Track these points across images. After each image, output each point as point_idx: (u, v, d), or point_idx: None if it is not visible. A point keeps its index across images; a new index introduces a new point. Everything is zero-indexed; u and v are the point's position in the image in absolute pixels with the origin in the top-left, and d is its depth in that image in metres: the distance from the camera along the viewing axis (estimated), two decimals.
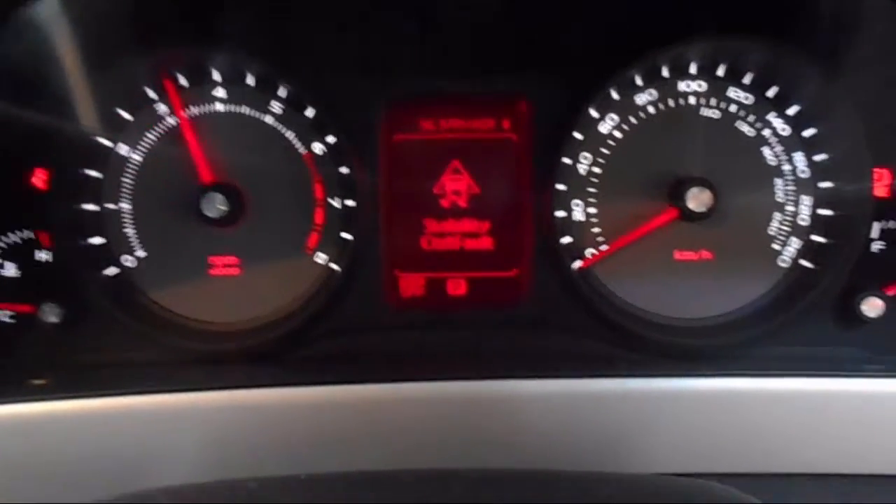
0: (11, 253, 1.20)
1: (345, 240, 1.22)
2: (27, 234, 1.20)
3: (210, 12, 1.15)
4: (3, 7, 1.02)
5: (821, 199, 1.22)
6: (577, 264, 1.23)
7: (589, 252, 1.24)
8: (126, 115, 1.21)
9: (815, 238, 1.22)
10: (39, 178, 1.18)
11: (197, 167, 1.18)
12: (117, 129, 1.21)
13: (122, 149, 1.22)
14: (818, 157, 1.22)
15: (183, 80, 1.21)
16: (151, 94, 1.21)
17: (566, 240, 1.22)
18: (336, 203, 1.23)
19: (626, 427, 1.03)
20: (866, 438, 1.03)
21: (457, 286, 1.25)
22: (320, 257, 1.24)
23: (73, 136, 1.18)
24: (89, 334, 1.20)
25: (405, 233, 1.24)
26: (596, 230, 1.24)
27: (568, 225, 1.23)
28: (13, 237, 1.20)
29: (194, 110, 1.22)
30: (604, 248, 1.24)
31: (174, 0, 1.14)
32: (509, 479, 0.79)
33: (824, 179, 1.22)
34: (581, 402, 1.02)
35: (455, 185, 1.24)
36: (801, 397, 1.02)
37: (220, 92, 1.22)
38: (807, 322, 1.19)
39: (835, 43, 1.17)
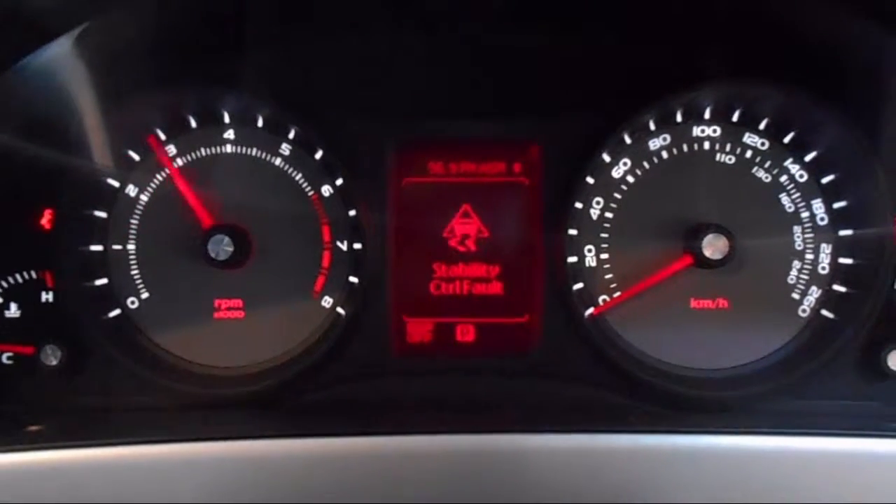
0: (14, 293, 1.19)
1: (352, 283, 1.20)
2: (32, 274, 1.19)
3: (220, 55, 1.15)
4: (15, 49, 1.02)
5: (841, 248, 1.19)
6: (590, 311, 1.20)
7: (601, 299, 1.21)
8: (135, 156, 1.21)
9: (836, 287, 1.19)
10: (46, 218, 1.18)
11: (196, 212, 1.18)
12: (126, 170, 1.21)
13: (130, 189, 1.21)
14: (837, 205, 1.19)
15: (193, 122, 1.21)
16: (161, 135, 1.21)
17: (578, 286, 1.20)
18: (343, 246, 1.21)
19: (638, 485, 0.98)
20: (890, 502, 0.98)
21: (465, 332, 1.22)
22: (326, 301, 1.22)
23: (81, 177, 1.18)
24: (90, 377, 1.18)
25: (413, 277, 1.22)
26: (609, 276, 1.21)
27: (580, 271, 1.21)
28: (18, 277, 1.19)
29: (204, 151, 1.21)
30: (617, 294, 1.21)
31: (185, 42, 1.15)
32: None
33: (844, 227, 1.19)
34: (592, 458, 0.98)
35: (465, 228, 1.22)
36: (823, 457, 0.97)
37: (229, 133, 1.21)
38: (829, 375, 1.16)
39: (852, 88, 1.15)
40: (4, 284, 1.19)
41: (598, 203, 1.21)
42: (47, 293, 1.19)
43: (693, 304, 1.20)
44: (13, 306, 1.19)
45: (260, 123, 1.21)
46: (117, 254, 1.21)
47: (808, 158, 1.19)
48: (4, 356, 1.19)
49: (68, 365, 1.16)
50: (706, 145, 1.20)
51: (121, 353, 1.17)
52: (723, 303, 1.20)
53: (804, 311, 1.20)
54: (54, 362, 1.16)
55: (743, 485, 0.98)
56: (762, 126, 1.19)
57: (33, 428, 1.09)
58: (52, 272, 1.19)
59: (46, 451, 0.98)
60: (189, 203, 1.18)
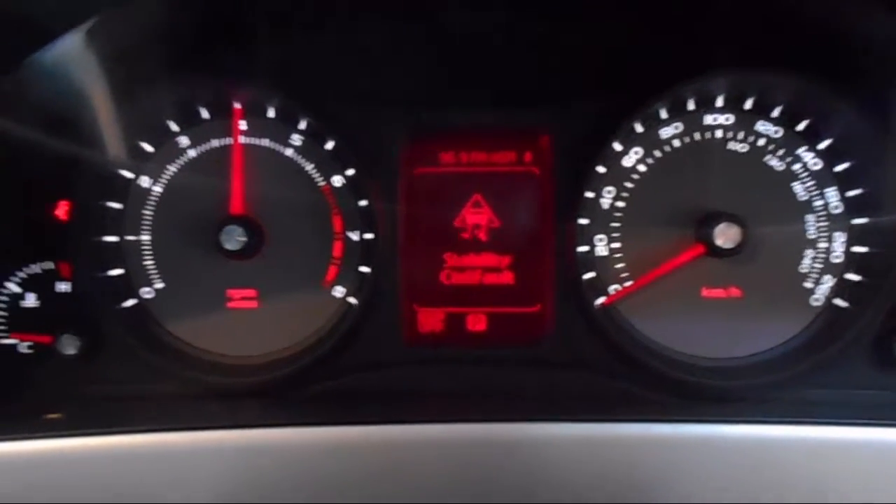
0: (32, 283, 1.21)
1: (363, 273, 1.21)
2: (48, 264, 1.21)
3: (231, 46, 1.16)
4: (30, 42, 1.03)
5: (855, 236, 1.18)
6: (601, 300, 1.20)
7: (613, 288, 1.21)
8: (148, 148, 1.22)
9: (850, 276, 1.18)
10: (62, 210, 1.19)
11: (232, 198, 1.18)
12: (139, 162, 1.22)
13: (144, 181, 1.22)
14: (851, 193, 1.18)
15: (205, 113, 1.22)
16: (174, 126, 1.22)
17: (589, 275, 1.20)
18: (355, 236, 1.22)
19: (649, 473, 0.98)
20: None
21: (477, 322, 1.23)
22: (338, 291, 1.22)
23: (96, 169, 1.19)
24: (106, 366, 1.20)
25: (424, 267, 1.22)
26: (620, 266, 1.21)
27: (591, 260, 1.20)
28: (34, 268, 1.21)
29: (215, 143, 1.22)
30: (628, 284, 1.20)
31: (197, 34, 1.15)
32: None
33: (858, 215, 1.18)
34: (603, 447, 0.98)
35: (476, 218, 1.22)
36: (835, 447, 0.97)
37: (241, 124, 1.22)
38: (841, 365, 1.15)
39: (867, 75, 1.13)
40: (22, 275, 1.21)
41: (609, 192, 1.21)
42: (64, 283, 1.21)
43: (704, 293, 1.19)
44: (31, 296, 1.21)
45: (271, 114, 1.21)
46: (132, 244, 1.22)
47: (821, 146, 1.18)
48: (23, 345, 1.21)
49: (85, 354, 1.18)
50: (718, 133, 1.19)
51: (136, 342, 1.19)
52: (735, 292, 1.19)
53: (817, 300, 1.19)
54: (72, 351, 1.17)
55: (754, 474, 0.98)
56: (775, 114, 1.18)
57: (51, 416, 1.10)
58: (68, 263, 1.20)
59: (64, 439, 1.00)
60: (231, 185, 1.18)
